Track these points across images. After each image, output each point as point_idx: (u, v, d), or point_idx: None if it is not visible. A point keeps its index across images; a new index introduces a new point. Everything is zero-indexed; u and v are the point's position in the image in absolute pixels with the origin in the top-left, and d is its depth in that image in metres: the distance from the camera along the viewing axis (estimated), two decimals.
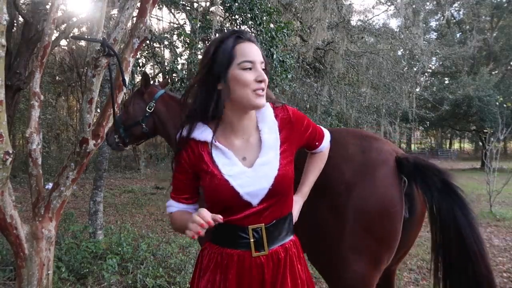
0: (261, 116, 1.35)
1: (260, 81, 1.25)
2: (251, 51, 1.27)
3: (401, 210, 1.63)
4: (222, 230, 1.29)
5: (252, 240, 1.26)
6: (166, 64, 7.34)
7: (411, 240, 1.81)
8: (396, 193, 1.62)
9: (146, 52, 6.72)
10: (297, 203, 1.49)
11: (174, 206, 1.38)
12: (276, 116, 1.36)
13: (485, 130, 11.07)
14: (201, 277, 1.32)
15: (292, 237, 1.38)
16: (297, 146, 1.41)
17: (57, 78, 19.31)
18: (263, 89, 1.26)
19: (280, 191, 1.29)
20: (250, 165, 1.29)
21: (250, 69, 1.25)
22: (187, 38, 6.01)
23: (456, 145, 49.15)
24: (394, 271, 1.97)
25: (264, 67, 1.29)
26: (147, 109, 2.66)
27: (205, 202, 1.33)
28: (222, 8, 6.69)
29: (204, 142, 1.29)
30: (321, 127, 1.55)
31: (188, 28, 7.59)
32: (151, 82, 2.90)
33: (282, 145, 1.33)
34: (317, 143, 1.50)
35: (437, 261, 1.61)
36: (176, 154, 1.35)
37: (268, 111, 1.35)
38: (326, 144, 1.54)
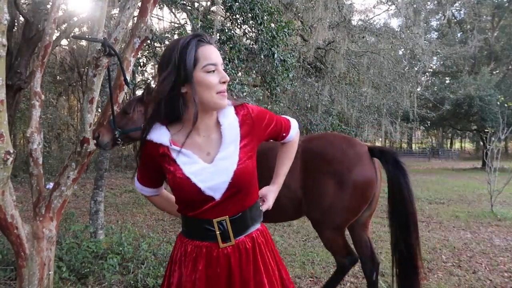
0: (222, 113, 1.39)
1: (224, 82, 1.30)
2: (213, 54, 1.31)
3: (376, 181, 2.62)
4: (190, 224, 1.39)
5: (218, 232, 1.33)
6: None
7: (375, 199, 2.77)
8: (373, 171, 2.61)
9: (147, 51, 6.73)
10: (272, 192, 1.61)
11: (145, 191, 1.54)
12: (237, 113, 1.41)
13: (486, 130, 11.06)
14: (173, 269, 1.39)
15: (259, 226, 1.45)
16: (259, 141, 1.47)
17: (58, 77, 19.33)
18: (225, 90, 1.32)
19: (240, 184, 1.33)
20: (210, 161, 1.34)
21: (214, 71, 1.29)
22: None
23: (457, 145, 49.14)
24: (368, 222, 2.92)
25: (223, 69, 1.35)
26: None
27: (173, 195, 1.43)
28: (223, 8, 6.68)
29: (162, 144, 1.33)
30: (288, 118, 1.63)
31: (189, 28, 7.59)
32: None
33: (242, 140, 1.37)
34: (284, 134, 1.58)
35: (389, 205, 2.62)
36: (140, 151, 1.41)
37: (228, 108, 1.40)
38: (293, 133, 1.62)
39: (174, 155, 1.32)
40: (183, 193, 1.32)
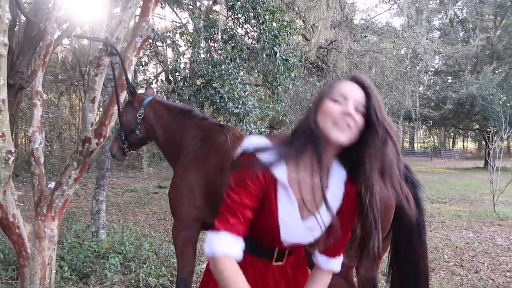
0: (335, 172, 1.20)
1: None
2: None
3: None
4: (249, 241, 1.20)
5: (276, 255, 1.33)
6: (168, 63, 7.34)
7: None
8: None
9: (149, 51, 6.74)
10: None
11: (237, 247, 1.09)
12: (345, 183, 1.20)
13: (488, 129, 11.05)
14: None
15: None
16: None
17: (59, 77, 19.34)
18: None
19: (314, 244, 1.31)
20: (305, 214, 1.18)
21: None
22: (189, 37, 6.01)
23: (459, 144, 49.03)
24: None
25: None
26: (137, 116, 2.79)
27: None
28: (225, 7, 6.68)
29: (275, 177, 1.11)
30: None
31: (190, 27, 7.58)
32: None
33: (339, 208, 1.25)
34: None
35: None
36: (242, 170, 1.11)
37: (341, 171, 1.21)
38: (338, 264, 1.40)
39: (280, 195, 1.13)
40: (260, 233, 1.22)
